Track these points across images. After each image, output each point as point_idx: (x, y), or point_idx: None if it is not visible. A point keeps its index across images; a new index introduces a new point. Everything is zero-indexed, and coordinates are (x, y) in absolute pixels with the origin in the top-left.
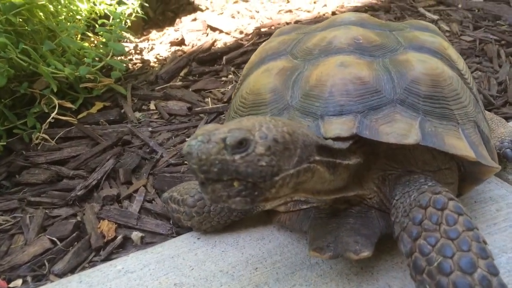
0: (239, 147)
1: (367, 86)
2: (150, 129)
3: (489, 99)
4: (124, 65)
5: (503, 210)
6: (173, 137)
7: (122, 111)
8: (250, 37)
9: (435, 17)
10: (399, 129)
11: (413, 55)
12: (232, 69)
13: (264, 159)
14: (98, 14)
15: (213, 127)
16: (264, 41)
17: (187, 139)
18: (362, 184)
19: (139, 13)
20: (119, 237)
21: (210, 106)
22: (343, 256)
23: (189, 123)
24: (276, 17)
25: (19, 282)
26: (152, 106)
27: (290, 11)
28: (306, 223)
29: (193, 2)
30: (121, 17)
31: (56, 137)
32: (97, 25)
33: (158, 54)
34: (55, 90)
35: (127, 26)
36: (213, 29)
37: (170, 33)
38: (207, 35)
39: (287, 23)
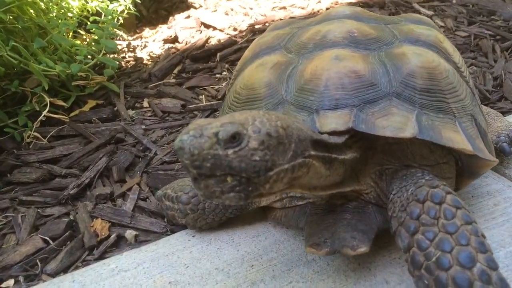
0: (232, 142)
1: (362, 80)
2: (143, 126)
3: (485, 94)
4: (117, 62)
5: (500, 204)
6: (167, 135)
7: (115, 109)
8: (244, 34)
9: (430, 12)
10: (396, 122)
11: (409, 48)
12: (226, 66)
13: (258, 153)
14: (90, 12)
15: (205, 121)
16: None
17: None
18: (359, 179)
19: (131, 10)
20: (113, 235)
21: (204, 103)
22: (340, 252)
23: (183, 120)
24: (270, 14)
25: (11, 282)
26: (145, 104)
27: (284, 7)
28: (302, 219)
29: (187, 0)
30: (113, 14)
31: (48, 136)
32: (89, 23)
33: (151, 52)
34: (46, 88)
35: (119, 23)
36: (207, 26)
37: (163, 31)
38: (200, 32)
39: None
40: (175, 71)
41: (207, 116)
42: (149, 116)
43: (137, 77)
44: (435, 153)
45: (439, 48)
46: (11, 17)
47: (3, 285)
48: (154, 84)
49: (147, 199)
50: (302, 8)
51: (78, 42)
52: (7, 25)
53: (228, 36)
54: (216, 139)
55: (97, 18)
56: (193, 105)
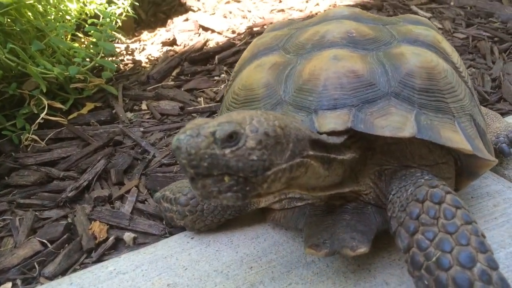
0: (229, 141)
1: (361, 79)
2: (142, 129)
3: (483, 95)
4: (115, 65)
5: (500, 205)
6: (165, 137)
7: (113, 111)
8: (242, 36)
9: (428, 14)
10: (395, 122)
11: (407, 48)
12: (225, 68)
13: (255, 153)
14: (88, 15)
15: (203, 121)
16: None
17: None
18: (358, 180)
19: (129, 13)
20: (111, 238)
21: (203, 105)
22: (339, 253)
23: (182, 122)
24: (269, 16)
25: (8, 285)
26: (143, 106)
27: (283, 10)
28: (301, 220)
29: (185, 3)
30: (111, 16)
31: (46, 138)
32: (87, 25)
33: (150, 55)
34: (44, 90)
35: (117, 26)
36: (205, 29)
37: (161, 34)
38: (199, 35)
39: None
40: (174, 73)
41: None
42: (148, 118)
43: (136, 79)
44: (434, 153)
45: (438, 48)
46: (9, 20)
47: None
48: (152, 87)
49: (146, 202)
50: (301, 11)
51: (76, 45)
52: (5, 28)
53: (227, 38)
54: (213, 139)
55: (95, 20)
56: (192, 108)
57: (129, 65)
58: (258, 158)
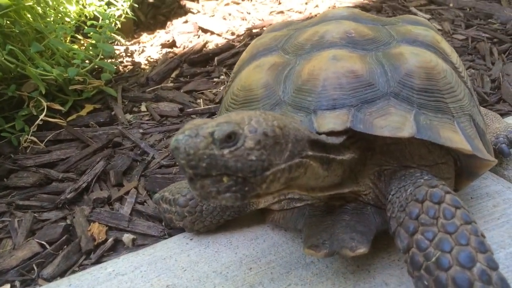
0: (228, 141)
1: (360, 80)
2: (141, 130)
3: (483, 96)
4: (115, 67)
5: (500, 205)
6: (164, 139)
7: (113, 113)
8: (241, 38)
9: (427, 16)
10: (394, 122)
11: (407, 49)
12: (224, 70)
13: (254, 153)
14: (88, 17)
15: (201, 121)
16: None
17: None
18: (358, 180)
19: (128, 15)
20: (110, 239)
21: (202, 107)
22: (338, 254)
23: (181, 124)
24: (268, 18)
25: (7, 287)
26: (143, 108)
27: (282, 12)
28: (300, 221)
29: (185, 5)
30: (110, 18)
31: (45, 140)
32: (86, 27)
33: (149, 57)
34: (43, 92)
35: (116, 27)
36: (205, 30)
37: (161, 36)
38: (198, 37)
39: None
40: (173, 75)
41: None
42: (147, 120)
43: (135, 81)
44: (434, 153)
45: (437, 48)
46: (8, 22)
47: None
48: (151, 88)
49: (145, 203)
50: (300, 13)
51: (75, 46)
52: (4, 29)
53: (226, 40)
54: (211, 139)
55: (94, 22)
56: (191, 109)
57: (129, 67)
58: (257, 158)
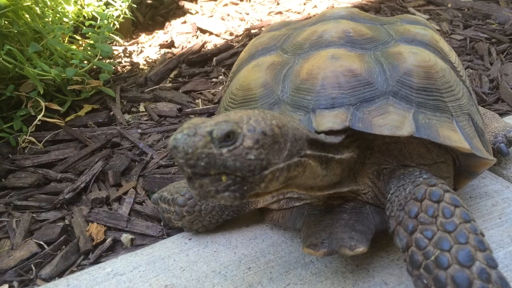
0: (227, 140)
1: (359, 79)
2: (139, 131)
3: (481, 96)
4: (113, 67)
5: (498, 205)
6: (163, 139)
7: (111, 113)
8: (240, 38)
9: (425, 16)
10: (393, 121)
11: (405, 48)
12: (223, 70)
13: (253, 152)
14: (86, 17)
15: (200, 120)
16: None
17: None
18: (357, 179)
19: (127, 15)
20: (109, 239)
21: (201, 107)
22: (338, 253)
23: (179, 124)
24: (266, 18)
25: (5, 287)
26: (141, 108)
27: (280, 12)
28: (299, 220)
29: (183, 6)
30: (108, 18)
31: (44, 140)
32: (84, 28)
33: (148, 57)
34: (41, 92)
35: (115, 28)
36: (203, 31)
37: (159, 36)
38: (197, 37)
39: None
40: (171, 75)
41: None
42: (145, 120)
43: (133, 81)
44: (433, 152)
45: (435, 47)
46: (6, 22)
47: None
48: (150, 89)
49: (143, 203)
50: (298, 13)
51: (74, 47)
52: (2, 30)
53: (224, 40)
54: (210, 138)
55: (92, 22)
56: (190, 109)
57: (127, 67)
58: (255, 157)
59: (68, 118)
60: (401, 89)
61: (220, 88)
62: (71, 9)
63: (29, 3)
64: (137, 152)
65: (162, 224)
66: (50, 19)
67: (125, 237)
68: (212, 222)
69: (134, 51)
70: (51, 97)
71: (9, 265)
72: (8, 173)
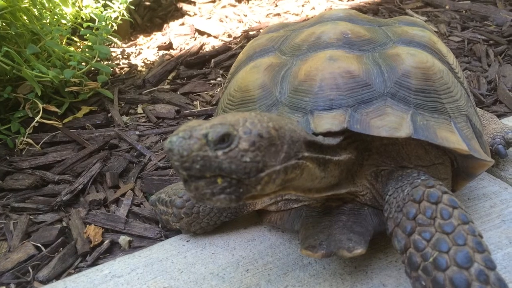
0: (222, 143)
1: (357, 80)
2: (137, 132)
3: (479, 97)
4: (111, 69)
5: (497, 206)
6: (161, 141)
7: (109, 115)
8: (238, 40)
9: (423, 18)
10: (391, 122)
11: (403, 49)
12: (221, 72)
13: (248, 154)
14: (84, 19)
15: (196, 122)
16: None
17: None
18: (355, 181)
19: (125, 17)
20: (106, 241)
21: (199, 108)
22: (336, 254)
23: (177, 126)
24: (264, 20)
25: None
26: (139, 110)
27: (279, 14)
28: (297, 222)
29: (181, 8)
30: (107, 20)
31: (41, 142)
32: (82, 29)
33: (146, 59)
34: (39, 94)
35: (113, 29)
36: (201, 33)
37: (157, 38)
38: (195, 39)
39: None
40: (170, 77)
41: None
42: (143, 122)
43: (131, 83)
44: (430, 153)
45: (433, 49)
46: (4, 23)
47: None
48: (148, 90)
49: (141, 205)
50: (296, 15)
51: (71, 48)
52: (0, 31)
53: (223, 42)
54: (205, 141)
55: (90, 24)
56: (188, 111)
57: (125, 69)
58: (251, 159)
59: (65, 120)
60: (399, 90)
61: (218, 90)
62: (69, 10)
63: (27, 5)
64: (135, 154)
65: (160, 226)
66: (48, 20)
67: (123, 239)
68: (210, 224)
69: (132, 53)
70: (48, 98)
71: (6, 267)
72: (5, 175)
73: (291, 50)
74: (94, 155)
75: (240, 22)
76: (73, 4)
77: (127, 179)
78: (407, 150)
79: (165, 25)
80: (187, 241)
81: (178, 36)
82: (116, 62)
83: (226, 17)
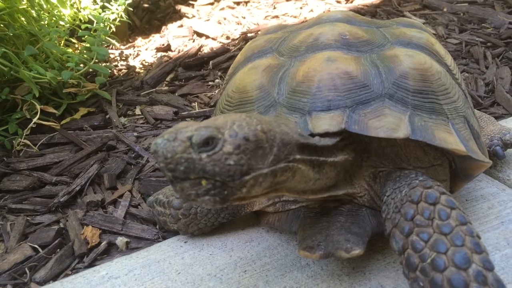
0: (206, 146)
1: (355, 81)
2: (135, 134)
3: (477, 99)
4: (109, 70)
5: (494, 208)
6: None
7: (107, 116)
8: (236, 42)
9: (421, 20)
10: (389, 123)
11: (401, 50)
12: (219, 73)
13: (233, 157)
14: (82, 21)
15: (184, 125)
16: None
17: None
18: (353, 182)
19: (123, 18)
20: (104, 243)
21: (197, 110)
22: (334, 255)
23: None
24: (263, 22)
25: None
26: (137, 111)
27: (277, 16)
28: (295, 223)
29: (180, 10)
30: (105, 22)
31: (39, 143)
32: (80, 31)
33: (144, 60)
34: (37, 95)
35: (111, 31)
36: (200, 35)
37: (155, 40)
38: (193, 41)
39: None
40: (168, 78)
41: None
42: (141, 123)
43: (129, 85)
44: (429, 155)
45: (431, 50)
46: (1, 24)
47: None
48: (146, 92)
49: (139, 206)
50: (295, 17)
51: (70, 50)
52: None
53: (221, 44)
54: (189, 143)
55: (89, 25)
56: (186, 112)
57: (123, 70)
58: (235, 162)
59: (63, 121)
60: (397, 91)
61: (216, 92)
62: (67, 12)
63: (25, 6)
64: (133, 155)
65: (157, 227)
66: (46, 22)
67: (120, 240)
68: (208, 225)
69: (130, 54)
70: (46, 100)
71: (3, 268)
72: (3, 176)
73: (289, 51)
74: (91, 157)
75: (238, 24)
76: (71, 5)
77: (124, 180)
78: (405, 152)
79: (163, 27)
80: (185, 242)
81: (177, 38)
82: (114, 63)
83: (225, 19)
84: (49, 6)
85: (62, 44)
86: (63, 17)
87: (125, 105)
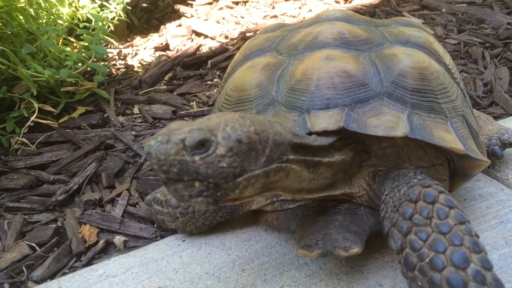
0: (200, 148)
1: (353, 79)
2: (133, 133)
3: (475, 99)
4: (107, 69)
5: (493, 207)
6: None
7: (105, 115)
8: (235, 41)
9: (420, 21)
10: (387, 121)
11: (400, 49)
12: (218, 73)
13: (225, 160)
14: (81, 19)
15: (177, 125)
16: None
17: None
18: (352, 182)
19: (122, 17)
20: (101, 241)
21: (195, 109)
22: (332, 254)
23: None
24: (261, 22)
25: None
26: (135, 110)
27: (275, 16)
28: (293, 221)
29: (178, 9)
30: (103, 20)
31: (36, 142)
32: (78, 29)
33: (142, 59)
34: (35, 93)
35: (109, 30)
36: (198, 34)
37: (154, 39)
38: (192, 40)
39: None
40: (166, 78)
41: None
42: (140, 122)
43: (128, 84)
44: (430, 154)
45: (430, 49)
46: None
47: None
48: (144, 91)
49: (137, 205)
50: (293, 17)
51: (68, 49)
52: None
53: (220, 43)
54: (182, 145)
55: (87, 24)
56: (184, 111)
57: (121, 69)
58: (228, 165)
59: (61, 120)
60: (396, 90)
61: (215, 91)
62: (65, 11)
63: (23, 4)
64: (131, 154)
65: (155, 226)
66: (44, 20)
67: (118, 239)
68: (206, 224)
69: (128, 53)
70: (44, 98)
71: (0, 267)
72: (0, 175)
73: (288, 49)
74: (89, 155)
75: (237, 23)
76: (70, 4)
77: (122, 179)
78: (407, 152)
79: (162, 27)
80: (183, 241)
81: (175, 37)
82: (112, 62)
83: (223, 18)
84: (47, 4)
85: (60, 43)
86: (61, 15)
87: (123, 104)
